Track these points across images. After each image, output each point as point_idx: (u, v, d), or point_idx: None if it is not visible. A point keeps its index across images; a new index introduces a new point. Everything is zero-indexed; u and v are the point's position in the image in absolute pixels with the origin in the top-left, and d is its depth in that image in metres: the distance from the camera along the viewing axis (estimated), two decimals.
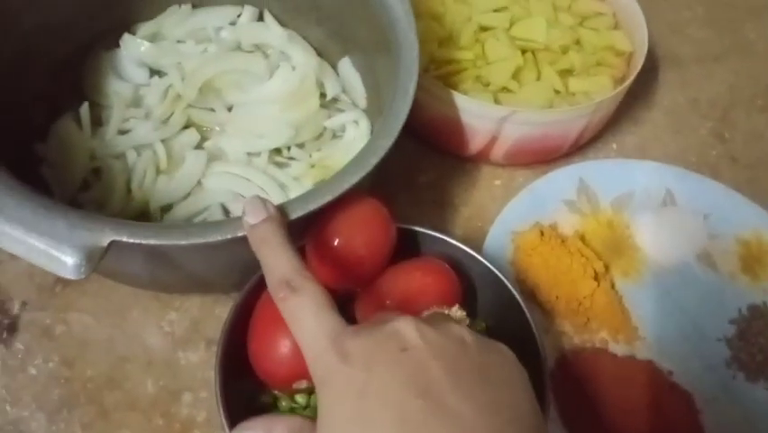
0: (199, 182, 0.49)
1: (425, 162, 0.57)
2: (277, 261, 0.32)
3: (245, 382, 0.39)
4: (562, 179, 0.55)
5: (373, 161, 0.40)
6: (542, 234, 0.51)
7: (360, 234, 0.40)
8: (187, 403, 0.43)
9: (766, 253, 0.54)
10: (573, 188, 0.55)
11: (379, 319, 0.29)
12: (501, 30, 0.57)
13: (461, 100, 0.50)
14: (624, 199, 0.56)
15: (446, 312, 0.36)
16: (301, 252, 0.41)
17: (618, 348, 0.48)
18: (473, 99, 0.50)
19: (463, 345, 0.28)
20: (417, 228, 0.44)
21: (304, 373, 0.37)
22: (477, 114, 0.50)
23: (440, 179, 0.56)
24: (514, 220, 0.52)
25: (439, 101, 0.51)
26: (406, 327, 0.28)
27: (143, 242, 0.34)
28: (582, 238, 0.53)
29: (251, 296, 0.40)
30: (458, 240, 0.44)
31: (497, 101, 0.53)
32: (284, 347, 0.37)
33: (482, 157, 0.55)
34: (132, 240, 0.33)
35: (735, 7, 0.76)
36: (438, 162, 0.57)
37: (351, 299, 0.42)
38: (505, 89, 0.54)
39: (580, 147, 0.58)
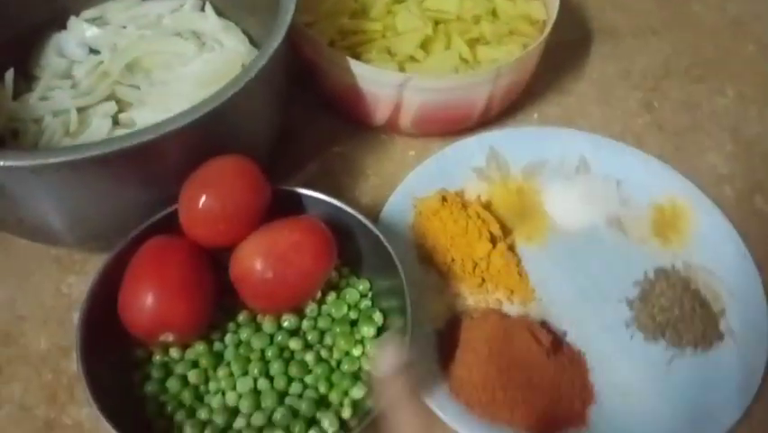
0: None
1: (340, 134, 0.58)
2: (409, 425, 0.33)
3: (122, 337, 0.41)
4: (472, 146, 0.55)
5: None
6: (444, 199, 0.51)
7: (227, 190, 0.41)
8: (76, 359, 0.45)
9: (679, 218, 0.53)
10: (483, 155, 0.56)
11: None
12: (414, 1, 0.57)
13: (357, 67, 0.50)
14: (536, 167, 0.56)
15: None
16: (173, 215, 0.42)
17: (513, 309, 0.48)
18: (369, 65, 0.50)
19: None
20: (297, 189, 0.45)
21: (168, 325, 0.39)
22: (375, 80, 0.51)
23: (353, 149, 0.57)
24: (418, 186, 0.53)
25: (339, 69, 0.51)
26: None
27: None
28: (488, 205, 0.53)
29: (132, 247, 0.41)
30: (363, 207, 0.44)
31: (402, 70, 0.54)
32: (148, 298, 0.39)
33: (393, 126, 0.56)
34: None
35: None
36: (352, 134, 0.58)
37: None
38: (411, 59, 0.55)
39: (497, 116, 0.58)
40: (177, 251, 0.41)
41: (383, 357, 0.35)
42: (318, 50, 0.52)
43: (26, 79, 0.55)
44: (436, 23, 0.57)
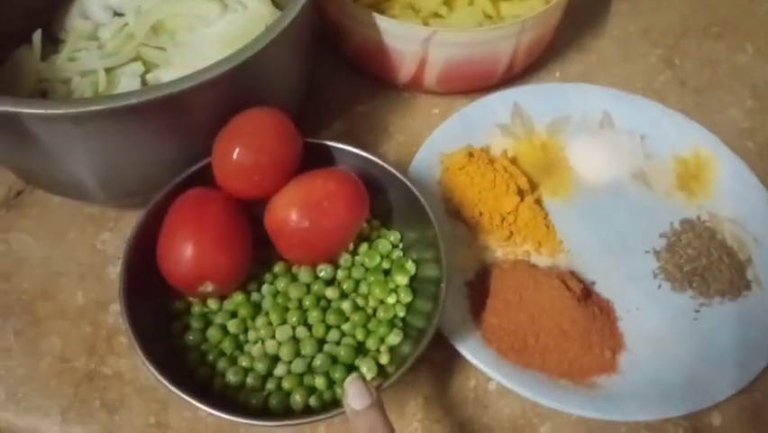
0: None
1: (363, 93, 0.58)
2: None
3: (160, 290, 0.41)
4: (496, 103, 0.56)
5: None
6: (471, 155, 0.52)
7: (260, 141, 0.42)
8: (113, 312, 0.45)
9: (704, 169, 0.54)
10: (507, 112, 0.56)
11: None
12: None
13: (382, 22, 0.50)
14: (559, 123, 0.56)
15: None
16: (207, 168, 0.43)
17: (541, 260, 0.49)
18: (394, 20, 0.50)
19: None
20: (328, 142, 0.46)
21: (207, 275, 0.40)
22: (400, 36, 0.51)
23: (377, 108, 0.58)
24: (443, 143, 0.53)
25: (363, 25, 0.52)
26: None
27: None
28: (514, 160, 0.54)
29: (168, 201, 0.42)
30: (389, 164, 0.45)
31: (426, 26, 0.54)
32: (187, 248, 0.39)
33: (417, 84, 0.56)
34: None
35: None
36: (376, 93, 0.58)
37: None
38: (435, 15, 0.55)
39: (519, 74, 0.59)
40: (214, 201, 0.42)
41: (352, 394, 0.35)
42: (342, 7, 0.52)
43: (52, 42, 0.55)
44: None
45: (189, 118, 0.42)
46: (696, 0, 0.69)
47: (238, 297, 0.42)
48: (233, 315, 0.42)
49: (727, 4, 0.70)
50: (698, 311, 0.47)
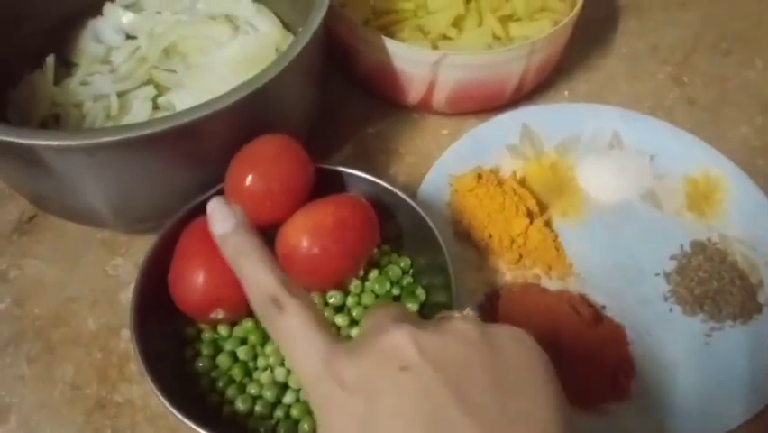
0: None
1: (373, 115, 0.58)
2: (258, 275, 0.30)
3: (171, 315, 0.41)
4: (505, 124, 0.56)
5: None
6: (480, 177, 0.52)
7: (272, 168, 0.42)
8: (125, 338, 0.46)
9: (714, 191, 0.54)
10: (516, 132, 0.56)
11: (374, 329, 0.28)
12: None
13: (392, 46, 0.51)
14: (569, 143, 0.56)
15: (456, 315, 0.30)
16: (219, 194, 0.43)
17: (551, 283, 0.49)
18: (404, 44, 0.51)
19: (470, 345, 0.26)
20: (339, 168, 0.46)
21: (218, 302, 0.40)
22: (410, 59, 0.51)
23: (387, 129, 0.58)
24: (453, 164, 0.53)
25: (373, 48, 0.52)
26: (402, 340, 0.26)
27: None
28: (523, 181, 0.54)
29: (179, 227, 0.42)
30: (399, 186, 0.45)
31: (435, 49, 0.54)
32: (198, 275, 0.39)
33: (426, 105, 0.56)
34: None
35: None
36: (386, 114, 0.58)
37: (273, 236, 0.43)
38: (444, 37, 0.55)
39: (528, 94, 0.59)
40: None
41: (215, 219, 0.33)
42: (353, 29, 0.52)
43: (65, 65, 0.56)
44: (467, 0, 0.57)
45: (202, 146, 0.42)
46: (705, 16, 0.69)
47: (248, 323, 0.42)
48: (243, 341, 0.42)
49: (737, 20, 0.70)
50: (709, 335, 0.47)
